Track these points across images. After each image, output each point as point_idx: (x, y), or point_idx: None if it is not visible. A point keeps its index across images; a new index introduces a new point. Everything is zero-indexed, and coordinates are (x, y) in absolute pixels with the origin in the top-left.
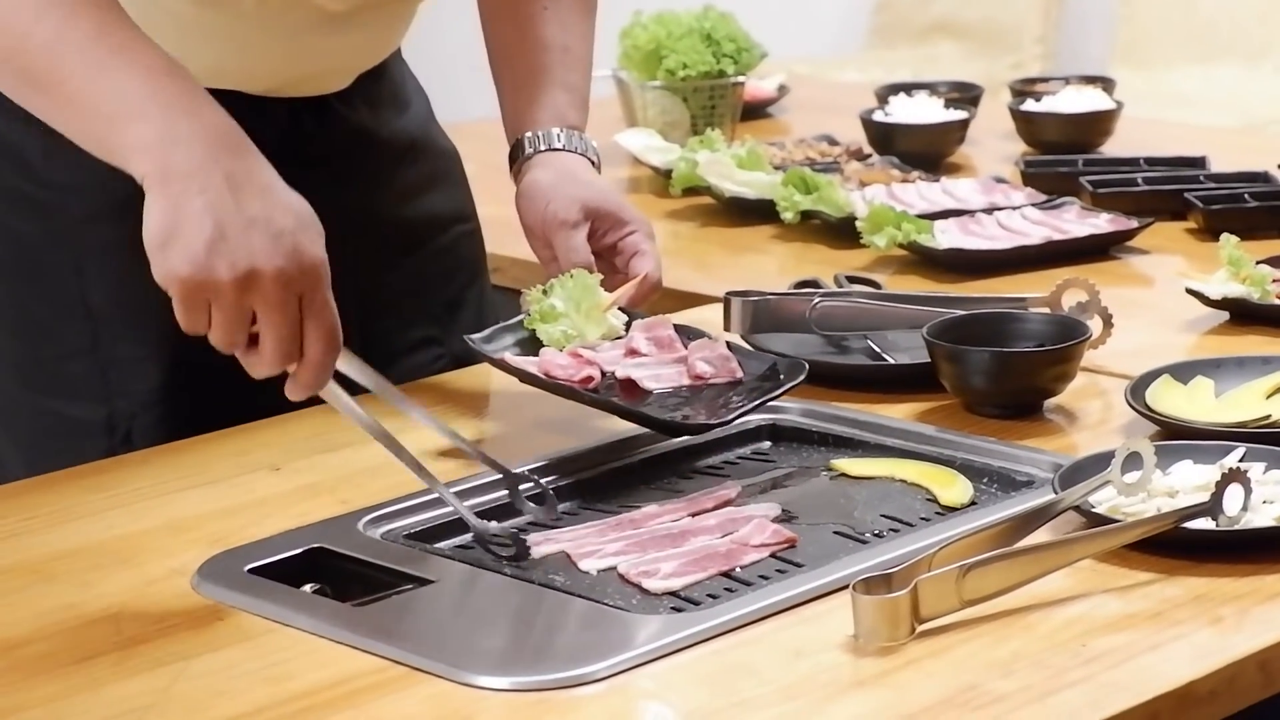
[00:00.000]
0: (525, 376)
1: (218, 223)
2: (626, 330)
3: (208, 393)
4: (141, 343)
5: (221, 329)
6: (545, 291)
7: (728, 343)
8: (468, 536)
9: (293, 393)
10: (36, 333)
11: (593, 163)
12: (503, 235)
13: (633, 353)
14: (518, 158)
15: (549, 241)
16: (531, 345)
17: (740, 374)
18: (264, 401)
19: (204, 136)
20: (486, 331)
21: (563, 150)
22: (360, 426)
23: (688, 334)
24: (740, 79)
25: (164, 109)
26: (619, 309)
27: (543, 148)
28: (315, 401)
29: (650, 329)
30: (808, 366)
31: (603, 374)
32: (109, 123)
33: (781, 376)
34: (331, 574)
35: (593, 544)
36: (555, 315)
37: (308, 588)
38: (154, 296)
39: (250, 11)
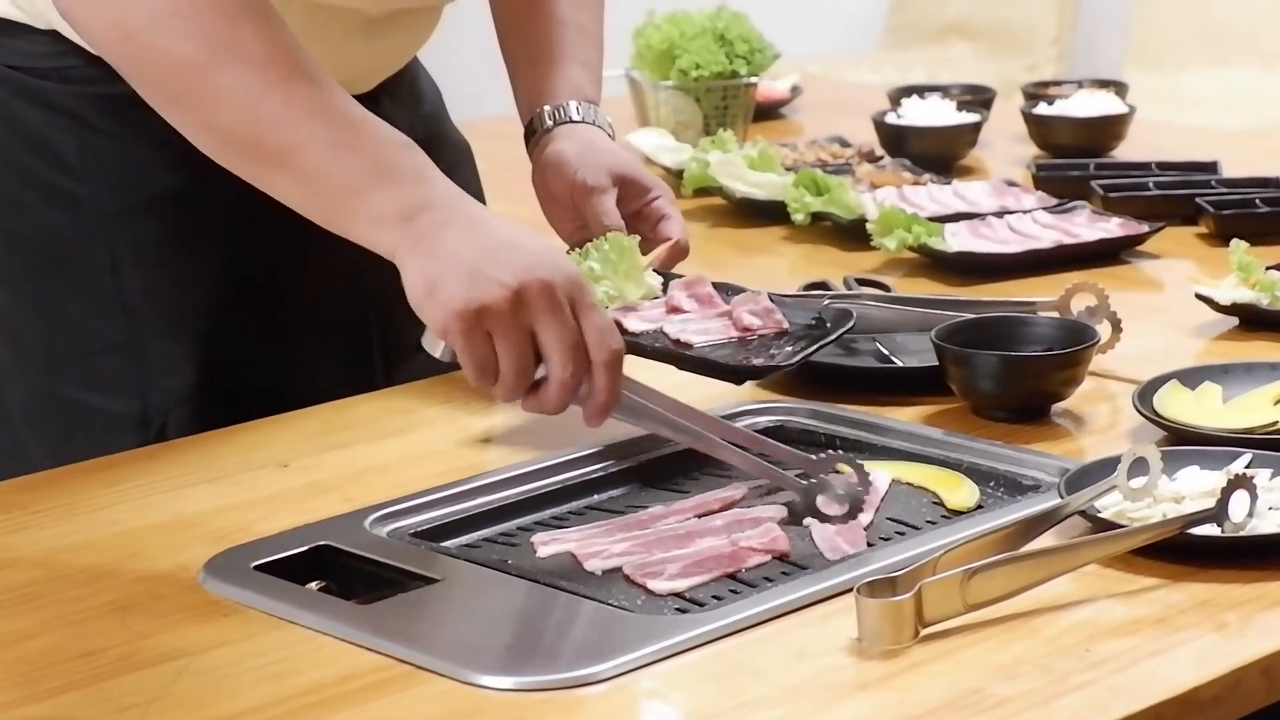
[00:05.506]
0: None
1: (472, 257)
2: (664, 290)
3: (242, 389)
4: (177, 339)
5: (508, 356)
6: (582, 255)
7: (770, 295)
8: (474, 535)
9: (591, 415)
10: (69, 327)
11: (610, 136)
12: None
13: (675, 310)
14: (535, 131)
15: (577, 211)
16: None
17: (786, 324)
18: (297, 399)
19: (443, 197)
20: None
21: (581, 123)
22: (668, 434)
23: (726, 290)
24: (753, 80)
25: (400, 182)
26: (654, 270)
27: (562, 120)
28: (354, 390)
29: (690, 287)
30: (855, 314)
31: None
32: (343, 198)
33: (829, 325)
34: (337, 572)
35: (598, 544)
36: (596, 277)
37: (313, 585)
38: (190, 293)
39: (298, 20)
